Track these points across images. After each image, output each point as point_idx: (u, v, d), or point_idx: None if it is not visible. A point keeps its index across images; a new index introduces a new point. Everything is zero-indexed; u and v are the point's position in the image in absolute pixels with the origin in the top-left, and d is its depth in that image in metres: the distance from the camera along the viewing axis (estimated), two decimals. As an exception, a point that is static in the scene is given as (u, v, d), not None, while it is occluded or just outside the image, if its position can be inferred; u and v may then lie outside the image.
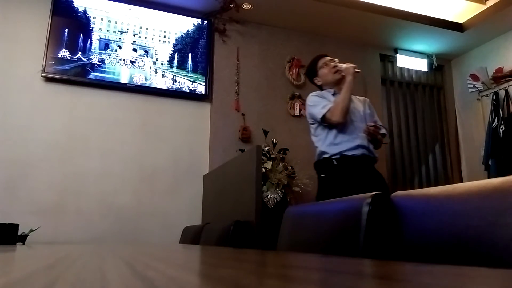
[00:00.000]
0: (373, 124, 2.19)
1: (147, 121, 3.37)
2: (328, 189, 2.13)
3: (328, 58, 2.34)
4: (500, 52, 4.07)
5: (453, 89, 4.60)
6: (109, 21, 3.39)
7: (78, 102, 3.20)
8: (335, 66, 2.28)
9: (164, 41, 3.53)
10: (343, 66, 2.25)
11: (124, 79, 3.32)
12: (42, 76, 3.08)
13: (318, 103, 2.20)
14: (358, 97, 2.37)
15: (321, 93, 2.29)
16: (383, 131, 2.27)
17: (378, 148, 2.30)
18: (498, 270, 0.42)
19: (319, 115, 2.16)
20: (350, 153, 2.12)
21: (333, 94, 2.23)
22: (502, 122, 3.82)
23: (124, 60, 3.36)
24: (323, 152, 2.18)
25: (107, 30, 3.36)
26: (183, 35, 3.60)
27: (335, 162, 2.13)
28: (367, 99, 2.41)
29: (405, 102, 4.41)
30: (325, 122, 2.16)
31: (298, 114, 3.80)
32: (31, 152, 2.99)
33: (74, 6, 3.29)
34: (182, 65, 3.53)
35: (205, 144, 3.49)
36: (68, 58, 3.17)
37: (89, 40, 3.28)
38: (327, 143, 2.17)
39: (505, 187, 0.63)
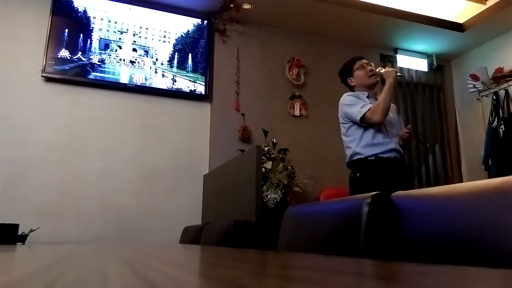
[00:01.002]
0: (409, 130, 2.23)
1: (147, 121, 3.37)
2: (363, 188, 2.14)
3: (365, 61, 2.37)
4: (500, 52, 4.07)
5: (453, 89, 4.60)
6: (109, 21, 3.39)
7: (78, 102, 3.20)
8: (371, 70, 2.31)
9: (164, 41, 3.53)
10: (383, 70, 2.28)
11: (124, 79, 3.32)
12: (42, 76, 3.08)
13: (356, 103, 2.21)
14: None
15: (357, 94, 2.30)
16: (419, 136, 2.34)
17: (405, 151, 2.37)
18: (498, 270, 0.42)
19: (358, 115, 2.17)
20: (385, 155, 2.15)
21: (367, 97, 2.26)
22: (502, 122, 3.82)
23: (124, 60, 3.36)
24: (357, 153, 2.20)
25: (107, 30, 3.36)
26: (183, 35, 3.60)
27: (369, 164, 2.16)
28: (395, 105, 2.45)
29: (405, 102, 4.41)
30: (364, 122, 2.17)
31: (298, 114, 3.80)
32: (31, 152, 2.99)
33: (74, 6, 3.29)
34: (182, 65, 3.53)
35: (205, 144, 3.49)
36: (68, 58, 3.17)
37: (89, 40, 3.28)
38: (362, 144, 2.19)
39: (505, 187, 0.63)
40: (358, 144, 2.20)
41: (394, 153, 2.17)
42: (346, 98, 2.28)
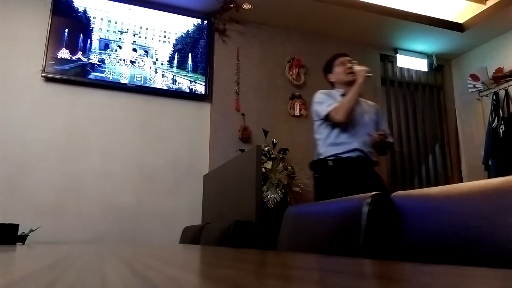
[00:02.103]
0: (381, 133, 2.20)
1: (147, 121, 3.37)
2: (324, 189, 2.15)
3: (347, 58, 2.36)
4: (500, 52, 4.07)
5: (453, 89, 4.60)
6: (109, 21, 3.39)
7: (78, 102, 3.20)
8: (350, 67, 2.29)
9: (164, 41, 3.53)
10: (357, 68, 2.26)
11: (124, 79, 3.32)
12: (42, 76, 3.08)
13: (325, 101, 2.22)
14: (369, 102, 2.39)
15: (329, 92, 2.31)
16: (390, 139, 2.30)
17: (384, 155, 2.34)
18: (498, 270, 0.42)
19: (323, 112, 2.18)
20: (345, 155, 2.14)
21: (341, 95, 2.24)
22: (502, 122, 3.82)
23: (124, 60, 3.36)
24: (320, 153, 2.21)
25: (107, 30, 3.36)
26: (183, 35, 3.60)
27: (330, 163, 2.15)
28: (377, 105, 2.43)
29: (405, 102, 4.41)
30: (328, 120, 2.18)
31: (298, 114, 3.80)
32: (31, 152, 2.99)
33: (74, 6, 3.29)
34: (182, 65, 3.53)
35: (205, 144, 3.49)
36: (68, 58, 3.17)
37: (89, 40, 3.28)
38: (326, 143, 2.19)
39: (505, 187, 0.63)
40: (324, 142, 2.21)
41: (357, 152, 2.14)
42: (317, 95, 2.29)
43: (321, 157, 2.19)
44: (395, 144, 2.33)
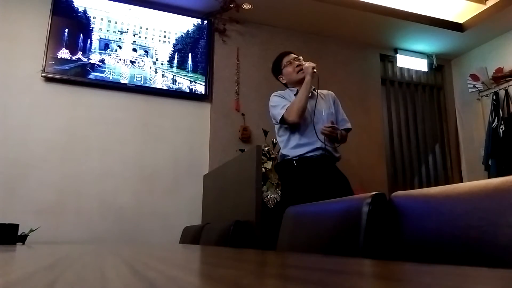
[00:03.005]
0: (329, 125, 2.14)
1: (147, 121, 3.37)
2: (290, 190, 2.14)
3: (293, 56, 2.32)
4: (500, 52, 4.07)
5: (453, 89, 4.60)
6: (109, 21, 3.39)
7: (78, 102, 3.20)
8: (299, 65, 2.25)
9: (164, 41, 3.53)
10: (304, 65, 2.22)
11: (124, 79, 3.32)
12: (42, 76, 3.08)
13: (279, 103, 2.19)
14: (322, 92, 2.33)
15: (283, 93, 2.28)
16: (347, 125, 2.26)
17: (344, 142, 2.27)
18: (498, 270, 0.42)
19: (278, 116, 2.16)
20: (309, 154, 2.13)
21: (296, 94, 2.21)
22: (502, 122, 3.82)
23: (124, 60, 3.36)
24: (284, 155, 2.19)
25: (107, 30, 3.36)
26: (183, 35, 3.60)
27: (294, 164, 2.14)
28: (331, 93, 2.37)
29: (405, 102, 4.41)
30: (283, 123, 2.16)
31: (298, 114, 3.79)
32: (31, 152, 2.99)
33: (74, 6, 3.29)
34: (182, 65, 3.53)
35: (205, 144, 3.49)
36: (68, 58, 3.17)
37: (89, 40, 3.28)
38: (289, 146, 2.18)
39: (505, 187, 0.63)
40: (286, 145, 2.19)
41: (320, 151, 2.13)
42: (271, 98, 2.26)
43: (287, 157, 2.18)
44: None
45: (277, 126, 2.26)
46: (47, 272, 0.48)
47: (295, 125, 2.15)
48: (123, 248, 1.22)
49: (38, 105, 3.08)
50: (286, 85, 2.34)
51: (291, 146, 2.17)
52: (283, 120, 2.15)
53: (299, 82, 2.21)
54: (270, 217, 2.56)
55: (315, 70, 2.18)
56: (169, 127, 3.42)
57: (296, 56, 2.33)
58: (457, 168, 4.40)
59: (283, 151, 2.20)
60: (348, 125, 2.29)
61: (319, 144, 2.13)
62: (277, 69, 2.37)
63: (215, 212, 2.87)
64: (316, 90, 2.26)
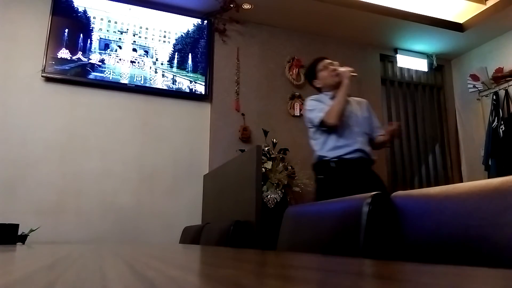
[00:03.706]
0: (395, 127, 2.24)
1: (147, 121, 3.37)
2: (326, 190, 2.15)
3: (328, 61, 2.35)
4: (500, 52, 4.07)
5: (453, 89, 4.60)
6: (109, 21, 3.39)
7: (78, 102, 3.20)
8: (334, 70, 2.28)
9: (164, 41, 3.53)
10: (341, 69, 2.25)
11: (124, 79, 3.32)
12: (42, 76, 3.08)
13: (316, 107, 2.22)
14: (356, 99, 2.39)
15: (319, 97, 2.30)
16: (382, 132, 2.33)
17: (379, 149, 2.36)
18: (498, 270, 0.42)
19: (316, 119, 2.18)
20: (348, 156, 2.15)
21: (331, 98, 2.24)
22: (502, 122, 3.82)
23: (124, 60, 3.36)
24: (322, 156, 2.21)
25: (107, 30, 3.36)
26: (183, 35, 3.60)
27: (332, 165, 2.16)
28: (365, 100, 2.43)
29: (405, 102, 4.41)
30: (322, 126, 2.18)
31: (298, 114, 3.80)
32: (31, 152, 2.99)
33: (74, 6, 3.29)
34: (182, 65, 3.53)
35: (205, 144, 3.49)
36: (68, 58, 3.17)
37: (89, 40, 3.28)
38: (326, 148, 2.19)
39: (505, 187, 0.63)
40: (322, 147, 2.21)
41: (358, 153, 2.16)
42: (308, 102, 2.29)
43: (325, 159, 2.19)
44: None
45: (312, 130, 2.28)
46: (47, 272, 0.48)
47: (332, 128, 2.17)
48: (123, 248, 1.22)
49: (38, 105, 3.08)
50: (319, 90, 2.36)
51: (328, 148, 2.19)
52: (321, 123, 2.17)
53: (334, 86, 2.25)
54: (270, 217, 2.56)
55: (353, 74, 2.22)
56: (169, 127, 3.42)
57: (330, 61, 2.35)
58: (457, 168, 4.40)
59: (320, 153, 2.22)
60: (382, 132, 2.36)
61: (357, 146, 2.16)
62: (311, 74, 2.38)
63: (215, 212, 2.87)
64: (350, 95, 2.33)
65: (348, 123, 2.20)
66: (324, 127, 2.19)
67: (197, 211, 3.28)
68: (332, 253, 0.93)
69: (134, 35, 3.45)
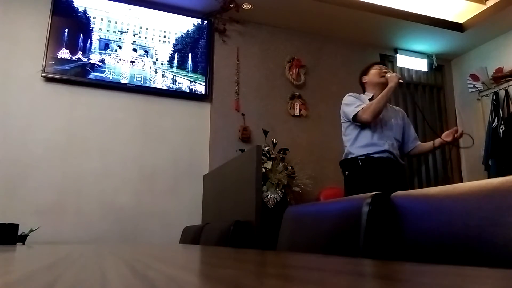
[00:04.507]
0: (461, 132, 2.26)
1: (147, 121, 3.37)
2: (353, 187, 2.20)
3: (384, 67, 2.43)
4: (500, 52, 4.07)
5: (453, 89, 4.60)
6: (109, 21, 3.39)
7: (78, 102, 3.20)
8: (385, 72, 2.36)
9: (164, 41, 3.53)
10: (391, 74, 2.33)
11: (124, 79, 3.32)
12: (42, 76, 3.08)
13: (353, 103, 2.27)
14: (394, 107, 2.48)
15: (358, 95, 2.36)
16: (418, 142, 2.41)
17: (416, 156, 2.43)
18: (498, 270, 0.42)
19: (351, 113, 2.23)
20: (375, 155, 2.19)
21: (370, 99, 2.29)
22: (502, 122, 3.82)
23: (124, 60, 3.36)
24: (350, 153, 2.26)
25: (107, 30, 3.36)
26: (183, 35, 3.60)
27: (360, 163, 2.20)
28: (402, 110, 2.51)
29: (405, 102, 4.41)
30: (356, 120, 2.23)
31: (298, 114, 3.80)
32: (31, 152, 2.99)
33: (74, 6, 3.29)
34: (182, 65, 3.53)
35: (205, 144, 3.49)
36: (68, 58, 3.17)
37: (89, 40, 3.28)
38: (356, 145, 2.24)
39: (505, 187, 0.63)
40: (353, 143, 2.25)
41: (386, 153, 2.20)
42: (346, 98, 2.35)
43: (351, 156, 2.24)
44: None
45: (345, 125, 2.33)
46: (47, 272, 0.48)
47: (365, 125, 2.22)
48: (123, 248, 1.22)
49: (38, 105, 3.08)
50: (363, 87, 2.43)
51: (359, 145, 2.23)
52: (355, 118, 2.21)
53: (378, 86, 2.31)
54: (270, 217, 2.56)
55: (401, 81, 2.29)
56: (169, 127, 3.42)
57: (386, 67, 2.45)
58: (457, 168, 4.40)
59: (350, 149, 2.26)
60: (419, 142, 2.43)
61: (386, 147, 2.20)
62: (364, 71, 2.46)
63: (215, 212, 2.87)
64: (390, 102, 2.42)
65: (381, 125, 2.25)
66: (358, 122, 2.23)
67: (197, 211, 3.28)
68: (332, 253, 0.93)
69: (134, 35, 3.45)
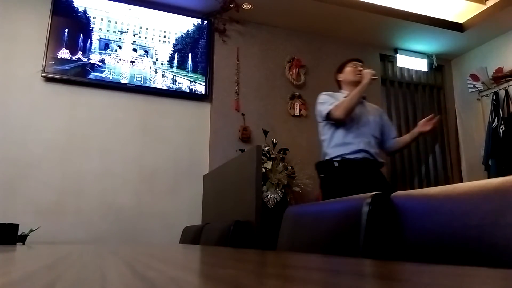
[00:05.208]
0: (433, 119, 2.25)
1: (147, 121, 3.37)
2: (329, 190, 2.16)
3: (359, 64, 2.40)
4: (500, 52, 4.07)
5: (453, 89, 4.60)
6: (109, 21, 3.39)
7: (78, 102, 3.20)
8: (360, 70, 2.33)
9: (164, 41, 3.53)
10: (365, 70, 2.30)
11: (124, 79, 3.32)
12: (42, 76, 3.08)
13: (327, 101, 2.25)
14: (372, 105, 2.44)
15: (332, 93, 2.34)
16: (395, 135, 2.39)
17: (393, 155, 2.39)
18: (498, 270, 0.42)
19: (324, 111, 2.21)
20: (351, 156, 2.16)
21: (345, 97, 2.27)
22: (502, 122, 3.82)
23: (124, 60, 3.36)
24: (326, 153, 2.23)
25: (107, 30, 3.36)
26: (183, 35, 3.60)
27: (336, 165, 2.17)
28: (381, 110, 2.48)
29: (405, 102, 4.41)
30: (329, 118, 2.20)
31: (298, 114, 3.80)
32: (31, 152, 2.99)
33: (74, 6, 3.29)
34: (182, 65, 3.53)
35: (205, 144, 3.49)
36: (68, 58, 3.17)
37: (89, 40, 3.28)
38: (332, 144, 2.21)
39: (505, 187, 0.63)
40: (329, 143, 2.23)
41: (362, 153, 2.17)
42: (320, 96, 2.32)
43: (327, 157, 2.21)
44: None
45: (321, 125, 2.30)
46: (47, 272, 0.48)
47: (339, 124, 2.20)
48: (123, 248, 1.22)
49: (38, 105, 3.08)
50: (339, 84, 2.42)
51: (333, 145, 2.20)
52: (328, 116, 2.19)
53: (353, 84, 2.29)
54: (270, 217, 2.56)
55: (374, 77, 2.25)
56: (169, 127, 3.42)
57: (362, 64, 2.41)
58: (457, 168, 4.40)
59: (325, 150, 2.24)
60: (397, 138, 2.42)
61: (361, 146, 2.17)
62: (340, 68, 2.44)
63: (215, 212, 2.87)
64: (366, 99, 2.37)
65: (357, 123, 2.22)
66: (331, 120, 2.21)
67: (197, 211, 3.28)
68: (332, 253, 0.93)
69: (134, 35, 3.45)
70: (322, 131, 2.29)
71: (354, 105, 2.17)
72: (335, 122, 2.20)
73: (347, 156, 2.15)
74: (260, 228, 1.95)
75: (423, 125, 2.26)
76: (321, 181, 2.25)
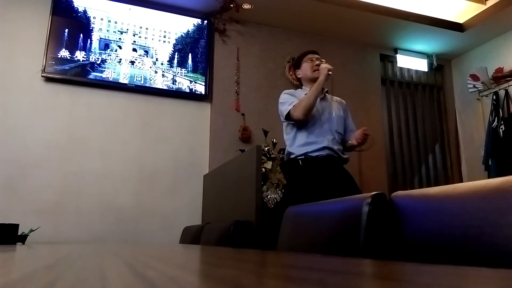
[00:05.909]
0: (364, 132, 2.17)
1: (147, 121, 3.37)
2: (294, 189, 2.15)
3: (316, 56, 2.34)
4: (500, 52, 4.07)
5: (453, 89, 4.60)
6: (109, 21, 3.39)
7: (78, 102, 3.20)
8: (317, 65, 2.26)
9: (164, 41, 3.53)
10: (322, 65, 2.22)
11: (124, 79, 3.32)
12: (42, 76, 3.08)
13: (287, 101, 2.20)
14: (336, 98, 2.38)
15: (294, 92, 2.30)
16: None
17: (351, 151, 2.33)
18: (498, 270, 0.42)
19: (284, 112, 2.18)
20: (314, 154, 2.13)
21: (306, 94, 2.22)
22: (502, 122, 3.82)
23: (124, 60, 3.36)
24: (290, 153, 2.20)
25: (107, 30, 3.36)
26: (183, 35, 3.60)
27: (300, 163, 2.15)
28: (344, 102, 2.42)
29: (405, 102, 4.41)
30: (289, 119, 2.17)
31: (298, 114, 3.79)
32: (31, 152, 2.99)
33: (74, 6, 3.29)
34: (182, 65, 3.53)
35: (205, 144, 3.49)
36: (68, 58, 3.17)
37: (89, 40, 3.28)
38: (295, 144, 2.19)
39: (505, 187, 0.63)
40: (292, 143, 2.20)
41: (326, 151, 2.14)
42: (281, 96, 2.28)
43: (292, 157, 2.19)
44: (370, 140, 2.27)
45: (284, 124, 2.28)
46: (47, 272, 0.48)
47: (301, 123, 2.16)
48: (123, 248, 1.22)
49: (38, 105, 3.08)
50: (300, 81, 2.37)
51: (297, 144, 2.17)
52: (288, 116, 2.16)
53: (312, 81, 2.23)
54: (270, 217, 2.56)
55: (330, 72, 2.19)
56: (169, 127, 3.42)
57: (319, 56, 2.34)
58: (457, 168, 4.40)
59: (289, 149, 2.21)
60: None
61: (325, 144, 2.14)
62: (297, 63, 2.38)
63: (215, 212, 2.87)
64: (329, 93, 2.30)
65: (319, 120, 2.18)
66: (291, 121, 2.18)
67: (197, 211, 3.28)
68: (332, 253, 0.93)
69: (134, 35, 3.45)
70: (285, 130, 2.27)
71: (312, 104, 2.12)
72: (296, 122, 2.17)
73: (311, 154, 2.13)
74: (260, 228, 1.95)
75: (354, 137, 2.18)
76: (287, 182, 2.22)
